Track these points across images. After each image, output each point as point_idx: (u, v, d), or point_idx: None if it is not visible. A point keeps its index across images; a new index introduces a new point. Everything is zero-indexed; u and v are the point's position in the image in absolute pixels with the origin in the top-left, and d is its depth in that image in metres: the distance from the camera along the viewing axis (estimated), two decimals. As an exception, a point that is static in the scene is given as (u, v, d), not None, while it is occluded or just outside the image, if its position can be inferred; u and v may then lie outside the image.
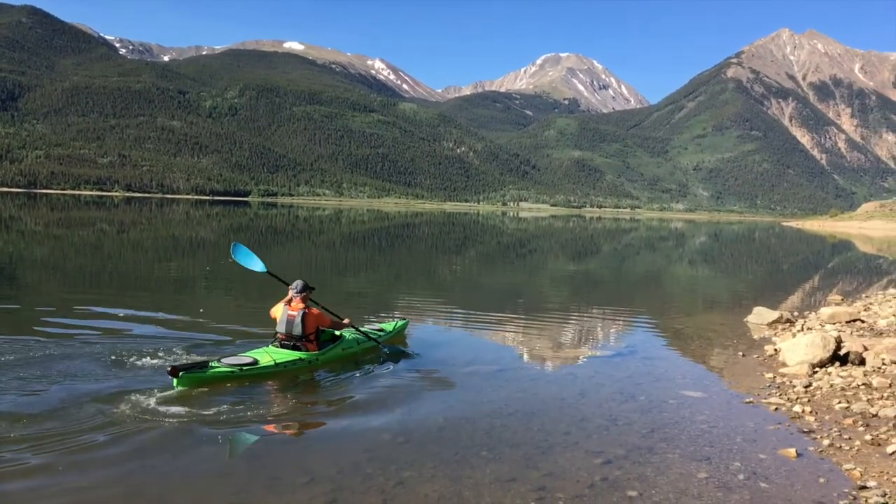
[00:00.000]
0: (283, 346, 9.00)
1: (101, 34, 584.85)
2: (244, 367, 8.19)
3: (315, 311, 9.23)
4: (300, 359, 8.83)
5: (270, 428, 6.88)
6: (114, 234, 40.10)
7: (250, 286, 17.29)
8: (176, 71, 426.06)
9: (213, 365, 8.02)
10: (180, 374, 7.61)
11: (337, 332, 9.80)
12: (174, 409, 7.03)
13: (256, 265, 9.90)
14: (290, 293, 9.15)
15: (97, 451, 6.00)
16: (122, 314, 12.46)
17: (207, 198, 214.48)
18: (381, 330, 10.89)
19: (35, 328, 10.75)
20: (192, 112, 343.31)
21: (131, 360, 8.80)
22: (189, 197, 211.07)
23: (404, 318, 12.14)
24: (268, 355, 8.65)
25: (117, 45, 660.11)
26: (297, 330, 8.98)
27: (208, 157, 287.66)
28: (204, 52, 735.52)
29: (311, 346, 9.08)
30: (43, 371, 8.16)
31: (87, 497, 5.26)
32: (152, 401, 7.21)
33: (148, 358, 8.90)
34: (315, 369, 8.99)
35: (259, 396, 7.79)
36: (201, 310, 13.56)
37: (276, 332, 9.14)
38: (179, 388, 7.65)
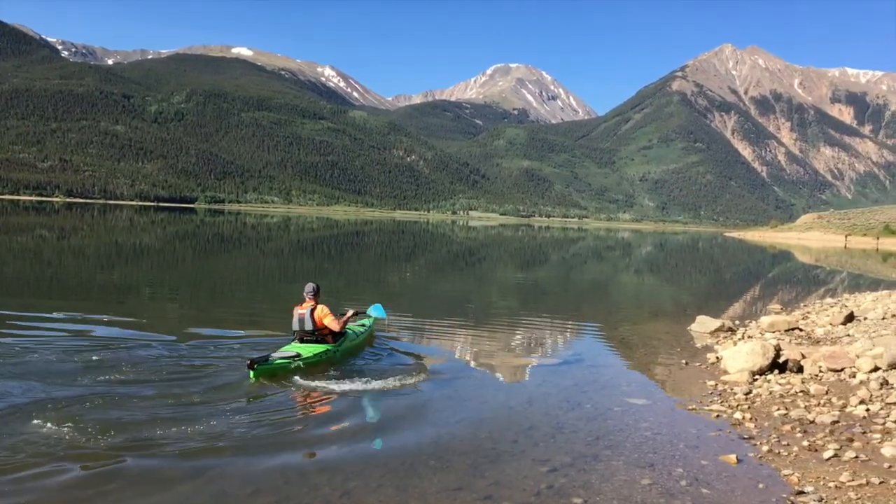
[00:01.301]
0: (303, 342, 10.01)
1: (43, 35, 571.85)
2: (295, 359, 9.35)
3: (320, 306, 10.10)
4: (328, 350, 9.97)
5: (213, 439, 6.68)
6: (54, 240, 39.05)
7: (196, 290, 16.98)
8: (120, 74, 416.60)
9: (272, 358, 9.12)
10: (255, 366, 8.67)
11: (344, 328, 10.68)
12: (114, 432, 6.65)
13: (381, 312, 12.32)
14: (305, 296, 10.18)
15: (31, 468, 5.81)
16: (59, 322, 12.14)
17: (152, 204, 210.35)
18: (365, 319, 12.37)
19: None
20: (136, 117, 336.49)
21: (68, 368, 8.57)
22: (133, 203, 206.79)
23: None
24: (303, 349, 9.74)
25: (59, 47, 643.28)
26: (308, 325, 9.99)
27: (153, 163, 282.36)
28: (150, 56, 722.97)
29: (329, 339, 10.12)
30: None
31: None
32: (90, 416, 6.98)
33: (91, 370, 8.67)
34: (336, 360, 10.01)
35: (200, 408, 7.59)
36: (144, 318, 13.29)
37: (294, 331, 10.09)
38: (254, 379, 8.67)
